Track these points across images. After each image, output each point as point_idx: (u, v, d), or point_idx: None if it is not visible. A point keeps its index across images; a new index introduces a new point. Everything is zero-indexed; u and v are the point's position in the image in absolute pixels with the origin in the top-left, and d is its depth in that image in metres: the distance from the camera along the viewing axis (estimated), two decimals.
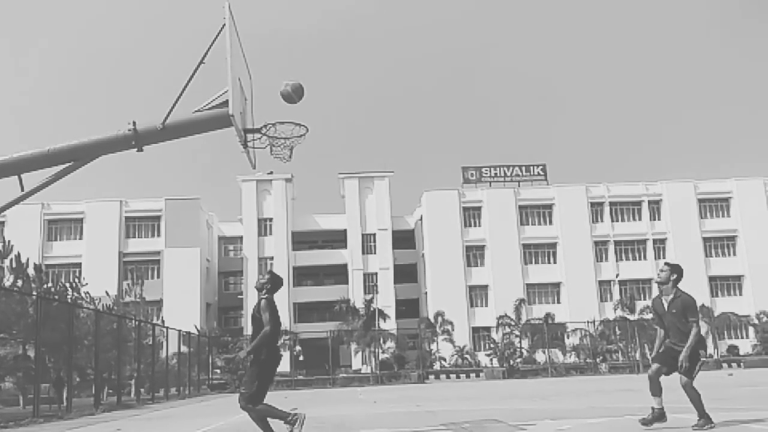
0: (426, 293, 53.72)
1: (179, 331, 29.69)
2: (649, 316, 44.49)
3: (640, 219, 54.99)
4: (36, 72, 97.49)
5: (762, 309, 49.15)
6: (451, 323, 45.90)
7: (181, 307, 47.00)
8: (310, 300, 54.71)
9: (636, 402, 12.79)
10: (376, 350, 43.24)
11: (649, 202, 55.08)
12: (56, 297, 22.02)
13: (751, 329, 49.74)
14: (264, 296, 7.19)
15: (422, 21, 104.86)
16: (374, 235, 54.67)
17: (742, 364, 39.96)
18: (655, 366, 7.70)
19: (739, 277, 53.80)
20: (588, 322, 44.87)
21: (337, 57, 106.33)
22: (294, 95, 9.31)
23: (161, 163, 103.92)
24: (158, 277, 51.01)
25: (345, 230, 54.92)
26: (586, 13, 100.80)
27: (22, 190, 9.45)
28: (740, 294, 53.36)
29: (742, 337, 50.32)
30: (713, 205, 55.22)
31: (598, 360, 41.59)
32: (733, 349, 47.71)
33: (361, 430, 9.15)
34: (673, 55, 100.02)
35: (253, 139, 9.85)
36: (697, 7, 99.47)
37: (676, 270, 7.71)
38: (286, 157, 9.96)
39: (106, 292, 29.56)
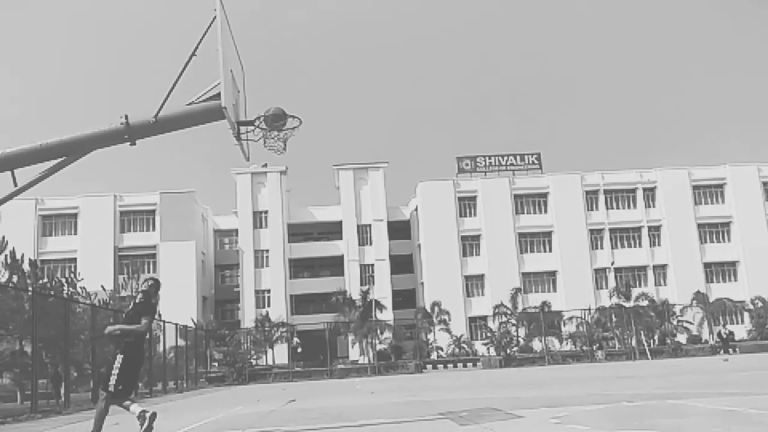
0: (422, 283, 53.76)
1: (176, 324, 29.71)
2: (645, 303, 44.67)
3: (634, 206, 55.06)
4: (28, 68, 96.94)
5: (757, 294, 49.25)
6: (447, 313, 45.96)
7: (178, 300, 46.78)
8: (307, 292, 54.73)
9: (632, 389, 12.84)
10: (373, 341, 43.28)
11: (644, 190, 55.13)
12: (52, 292, 21.95)
13: (746, 315, 49.93)
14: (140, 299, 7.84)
15: (416, 11, 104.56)
16: (370, 226, 54.64)
17: (737, 349, 40.12)
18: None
19: (734, 263, 53.99)
20: (584, 309, 44.96)
21: (332, 48, 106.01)
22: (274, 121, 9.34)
23: (155, 157, 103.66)
24: (154, 271, 50.92)
25: (340, 222, 54.87)
26: (580, 3, 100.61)
27: (15, 185, 9.38)
28: (735, 280, 53.55)
29: (737, 323, 50.53)
30: (708, 192, 55.31)
31: (594, 347, 41.69)
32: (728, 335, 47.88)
33: (360, 420, 9.17)
34: (666, 44, 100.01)
35: (247, 132, 9.79)
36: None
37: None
38: (280, 149, 9.90)
39: (102, 287, 29.45)
